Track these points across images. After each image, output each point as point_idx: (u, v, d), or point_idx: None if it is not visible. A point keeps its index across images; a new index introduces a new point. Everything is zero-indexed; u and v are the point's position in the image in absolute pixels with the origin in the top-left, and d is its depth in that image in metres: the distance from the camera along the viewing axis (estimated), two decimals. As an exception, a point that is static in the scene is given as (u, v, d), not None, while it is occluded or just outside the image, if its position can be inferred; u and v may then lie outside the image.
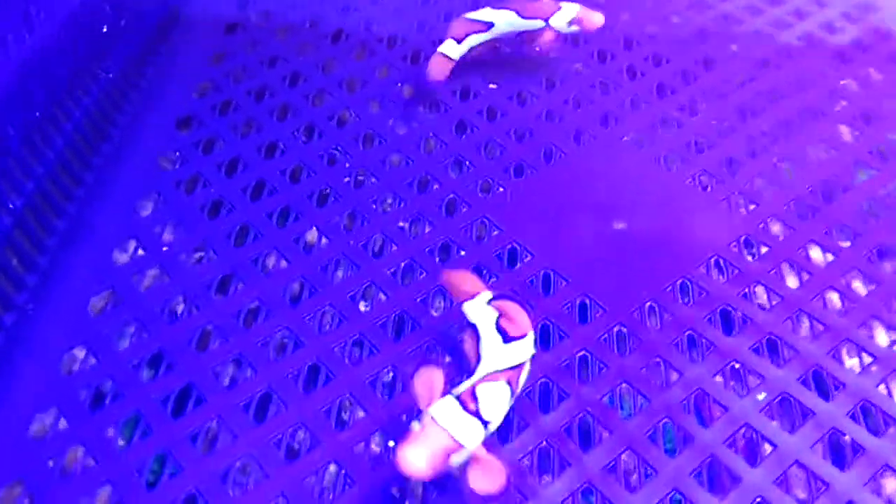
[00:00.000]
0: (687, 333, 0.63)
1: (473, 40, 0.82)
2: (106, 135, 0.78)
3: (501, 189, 0.75)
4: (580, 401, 0.58)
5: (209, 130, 0.79)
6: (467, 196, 0.74)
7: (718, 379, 0.60)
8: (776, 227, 0.72)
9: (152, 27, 0.91)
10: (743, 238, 0.70)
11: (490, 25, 0.82)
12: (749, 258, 0.69)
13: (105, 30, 0.82)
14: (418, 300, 0.65)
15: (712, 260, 0.68)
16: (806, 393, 0.59)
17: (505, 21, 0.82)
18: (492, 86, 0.86)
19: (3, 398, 0.57)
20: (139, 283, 0.65)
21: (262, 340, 0.61)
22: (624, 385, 0.59)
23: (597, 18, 0.82)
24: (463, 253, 0.68)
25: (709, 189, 0.76)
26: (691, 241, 0.71)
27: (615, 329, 0.63)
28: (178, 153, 0.77)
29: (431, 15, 0.97)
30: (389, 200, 0.73)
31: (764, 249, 0.70)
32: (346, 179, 0.75)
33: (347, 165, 0.77)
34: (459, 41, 0.81)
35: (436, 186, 0.75)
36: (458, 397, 0.50)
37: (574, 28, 0.83)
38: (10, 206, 0.65)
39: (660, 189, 0.76)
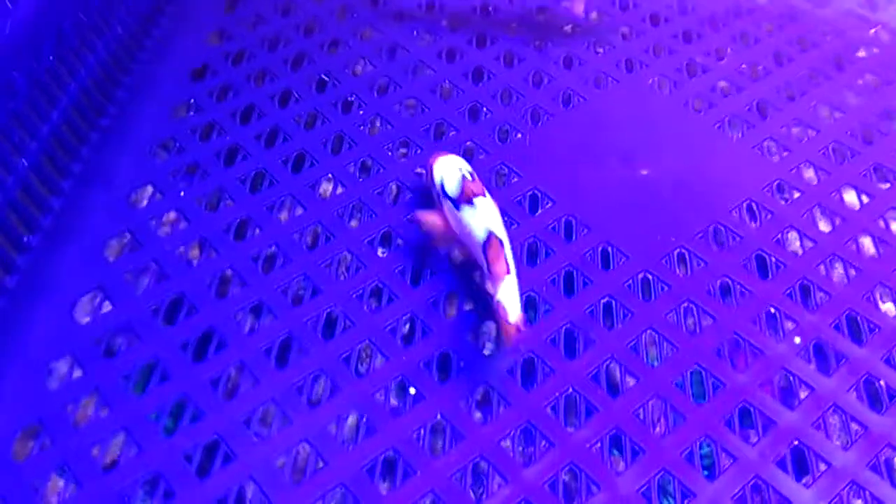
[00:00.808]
0: (720, 281, 0.61)
1: None
2: (120, 82, 0.76)
3: (520, 135, 0.73)
4: (605, 347, 0.57)
5: (223, 79, 0.78)
6: (485, 143, 0.72)
7: (754, 325, 0.58)
8: (809, 172, 0.70)
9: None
10: (776, 183, 0.68)
11: None
12: (782, 202, 0.67)
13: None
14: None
15: (745, 205, 0.66)
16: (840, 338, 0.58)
17: None
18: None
19: (19, 343, 0.56)
20: (157, 227, 0.64)
21: (281, 287, 0.60)
22: (650, 332, 0.58)
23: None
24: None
25: (740, 135, 0.73)
26: (721, 187, 0.68)
27: (640, 276, 0.61)
28: (192, 101, 0.75)
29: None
30: (404, 151, 0.71)
31: (797, 194, 0.68)
32: (361, 127, 0.73)
33: (361, 112, 0.75)
34: None
35: (452, 133, 0.73)
36: None
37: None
38: (25, 151, 0.63)
39: (686, 134, 0.74)
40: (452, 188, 0.58)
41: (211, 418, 0.52)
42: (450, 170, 0.60)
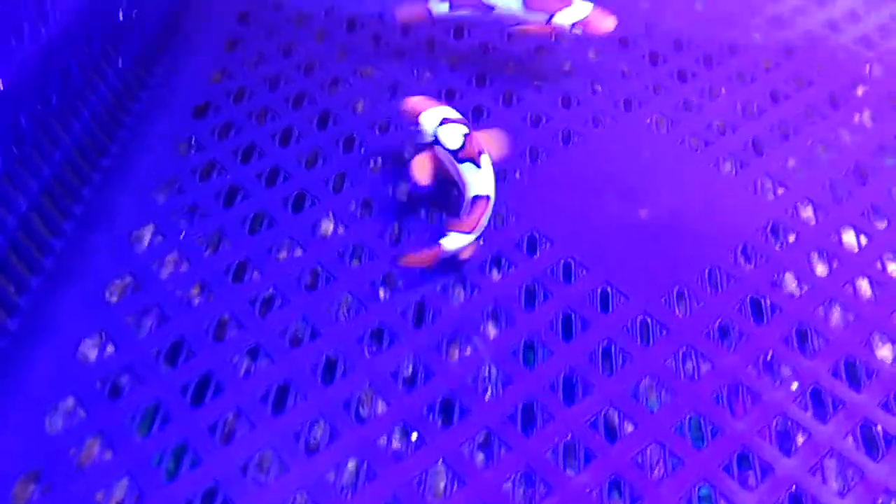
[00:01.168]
0: (718, 323, 0.61)
1: (465, 11, 0.79)
2: (122, 122, 0.77)
3: (518, 174, 0.73)
4: (603, 393, 0.57)
5: (225, 117, 0.78)
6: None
7: (751, 369, 0.59)
8: (806, 212, 0.71)
9: (167, 15, 0.90)
10: (772, 222, 0.69)
11: (490, 9, 0.78)
12: (778, 245, 0.68)
13: (120, 18, 0.81)
14: (438, 288, 0.63)
15: (741, 245, 0.67)
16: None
17: (506, 8, 0.77)
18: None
19: (20, 385, 0.56)
20: (158, 269, 0.64)
21: (280, 329, 0.60)
22: (649, 377, 0.58)
23: (607, 23, 0.76)
24: (481, 242, 0.67)
25: (736, 173, 0.74)
26: (718, 227, 0.69)
27: (639, 318, 0.62)
28: (194, 140, 0.76)
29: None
30: (405, 190, 0.72)
31: (793, 236, 0.69)
32: (363, 165, 0.74)
33: (363, 150, 0.75)
34: (452, 6, 0.79)
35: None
36: None
37: (577, 31, 0.76)
38: (26, 192, 0.64)
39: (683, 173, 0.75)
40: (453, 143, 0.65)
41: (209, 464, 0.52)
42: (446, 124, 0.66)
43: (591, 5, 0.76)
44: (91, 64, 0.75)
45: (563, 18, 0.76)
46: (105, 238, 0.66)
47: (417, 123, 0.67)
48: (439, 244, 0.61)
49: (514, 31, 0.79)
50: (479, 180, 0.63)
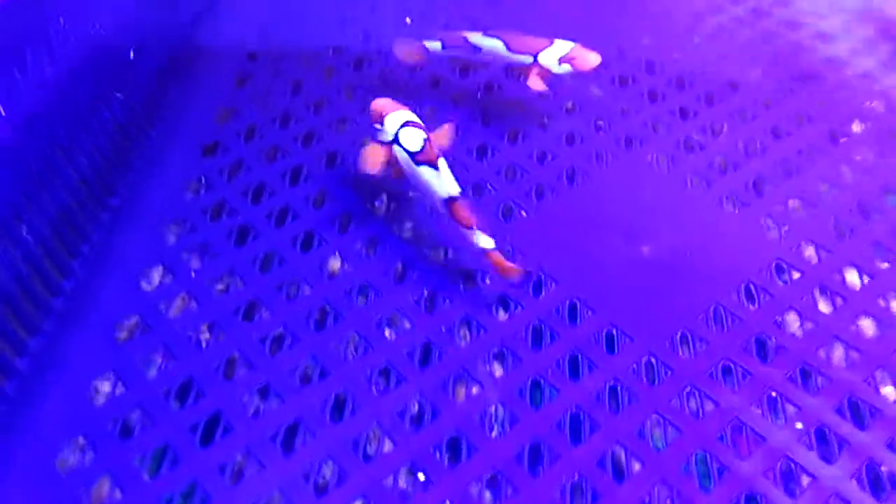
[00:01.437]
0: (722, 364, 0.62)
1: (455, 52, 0.82)
2: (130, 161, 0.78)
3: (524, 213, 0.74)
4: (610, 432, 0.57)
5: (234, 156, 0.79)
6: (490, 221, 0.73)
7: (755, 409, 0.59)
8: (809, 251, 0.71)
9: (175, 53, 0.91)
10: (775, 261, 0.70)
11: (477, 49, 0.80)
12: (781, 282, 0.68)
13: (131, 56, 0.82)
14: (444, 329, 0.64)
15: (744, 284, 0.68)
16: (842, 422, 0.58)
17: (490, 50, 0.79)
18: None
19: (31, 426, 0.57)
20: (167, 309, 0.65)
21: (289, 368, 0.61)
22: (655, 416, 0.59)
23: (592, 58, 0.76)
24: (487, 281, 0.68)
25: (738, 211, 0.75)
26: (721, 266, 0.70)
27: (644, 359, 0.62)
28: (203, 179, 0.77)
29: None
30: (410, 230, 0.73)
31: (796, 275, 0.69)
32: (368, 204, 0.75)
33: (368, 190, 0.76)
34: (444, 46, 0.82)
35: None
36: None
37: (565, 67, 0.76)
38: (35, 232, 0.65)
39: (686, 211, 0.75)
40: (413, 145, 0.67)
41: (219, 505, 0.53)
42: (407, 127, 0.68)
43: (571, 43, 0.77)
44: (100, 101, 0.76)
45: (548, 58, 0.76)
46: (114, 278, 0.67)
47: (381, 123, 0.70)
48: (487, 252, 0.64)
49: (524, 78, 0.80)
50: (442, 182, 0.65)
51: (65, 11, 0.72)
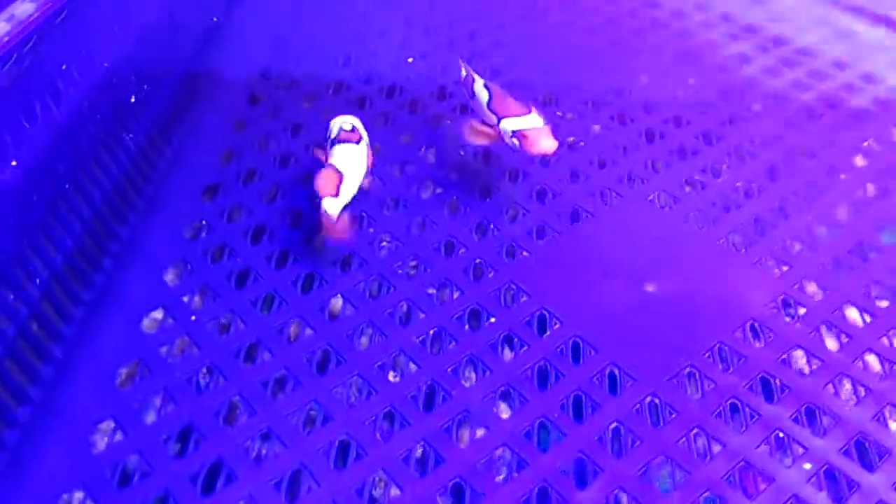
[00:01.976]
0: (729, 402, 0.61)
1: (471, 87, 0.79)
2: (132, 204, 0.78)
3: (526, 253, 0.74)
4: (615, 476, 0.57)
5: (234, 198, 0.79)
6: (493, 261, 0.73)
7: (763, 449, 0.58)
8: (811, 288, 0.71)
9: (177, 95, 0.92)
10: (780, 299, 0.70)
11: (472, 96, 0.79)
12: (785, 320, 0.68)
13: (133, 100, 0.83)
14: (449, 370, 0.63)
15: (748, 323, 0.67)
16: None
17: (481, 98, 0.76)
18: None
19: (30, 476, 0.56)
20: (167, 352, 0.64)
21: (291, 412, 0.60)
22: (660, 458, 0.58)
23: (544, 144, 0.70)
24: (493, 319, 0.68)
25: (742, 250, 0.75)
26: (724, 305, 0.69)
27: (648, 400, 0.62)
28: (203, 222, 0.76)
29: (450, 81, 0.98)
30: (413, 271, 0.73)
31: (802, 310, 0.69)
32: (371, 245, 0.75)
33: (371, 230, 0.76)
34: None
35: (462, 251, 0.74)
36: None
37: (514, 142, 0.71)
38: (37, 278, 0.64)
39: (688, 250, 0.75)
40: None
41: (222, 555, 0.52)
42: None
43: (540, 122, 0.72)
44: (101, 144, 0.77)
45: (507, 125, 0.72)
46: (115, 323, 0.66)
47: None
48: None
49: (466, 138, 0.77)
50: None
51: (69, 57, 0.72)
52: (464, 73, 0.81)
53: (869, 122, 0.92)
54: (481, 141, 0.76)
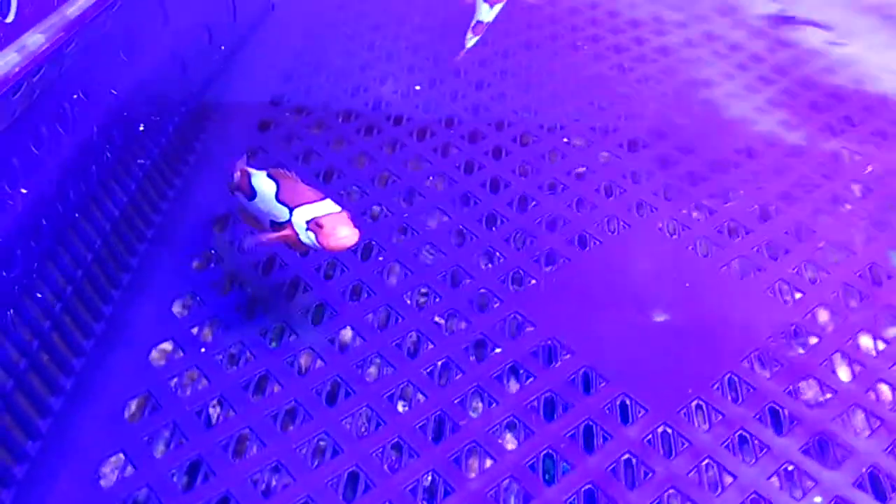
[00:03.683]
0: (738, 434, 0.61)
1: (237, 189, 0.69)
2: (141, 234, 0.78)
3: (534, 281, 0.74)
4: (628, 507, 0.56)
5: (245, 227, 0.80)
6: (499, 290, 0.73)
7: (774, 481, 0.58)
8: (823, 316, 0.71)
9: (187, 123, 0.93)
10: (788, 330, 0.69)
11: (253, 193, 0.67)
12: (796, 350, 0.68)
13: (142, 129, 0.83)
14: (456, 401, 0.63)
15: (758, 353, 0.67)
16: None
17: (263, 195, 0.65)
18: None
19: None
20: (177, 387, 0.64)
21: (300, 445, 0.60)
22: (672, 490, 0.57)
23: (343, 237, 0.61)
24: (499, 350, 0.67)
25: (751, 277, 0.75)
26: (734, 334, 0.69)
27: (660, 430, 0.61)
28: (213, 252, 0.77)
29: (459, 108, 0.99)
30: (423, 300, 0.73)
31: (813, 340, 0.69)
32: (380, 273, 0.75)
33: (381, 259, 0.77)
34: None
35: (468, 281, 0.74)
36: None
37: (310, 236, 0.62)
38: (47, 307, 0.65)
39: (697, 278, 0.75)
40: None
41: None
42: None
43: (337, 208, 0.62)
44: (111, 175, 0.77)
45: (301, 215, 0.62)
46: (124, 355, 0.67)
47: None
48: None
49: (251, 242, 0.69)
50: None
51: (79, 87, 0.73)
52: (237, 173, 0.69)
53: (878, 147, 0.92)
54: (274, 240, 0.64)
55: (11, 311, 0.61)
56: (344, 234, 0.61)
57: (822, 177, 0.88)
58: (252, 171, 0.67)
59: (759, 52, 1.12)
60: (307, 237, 0.62)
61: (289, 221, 0.63)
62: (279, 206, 0.64)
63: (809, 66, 1.08)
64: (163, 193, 0.84)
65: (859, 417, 0.63)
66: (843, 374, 0.66)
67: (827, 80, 1.05)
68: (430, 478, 0.58)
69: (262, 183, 0.66)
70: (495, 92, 1.02)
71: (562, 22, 1.18)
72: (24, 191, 0.64)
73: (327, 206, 0.62)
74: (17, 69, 0.63)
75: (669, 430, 0.61)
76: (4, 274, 0.61)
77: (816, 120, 0.97)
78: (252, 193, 0.66)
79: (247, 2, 1.14)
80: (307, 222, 0.61)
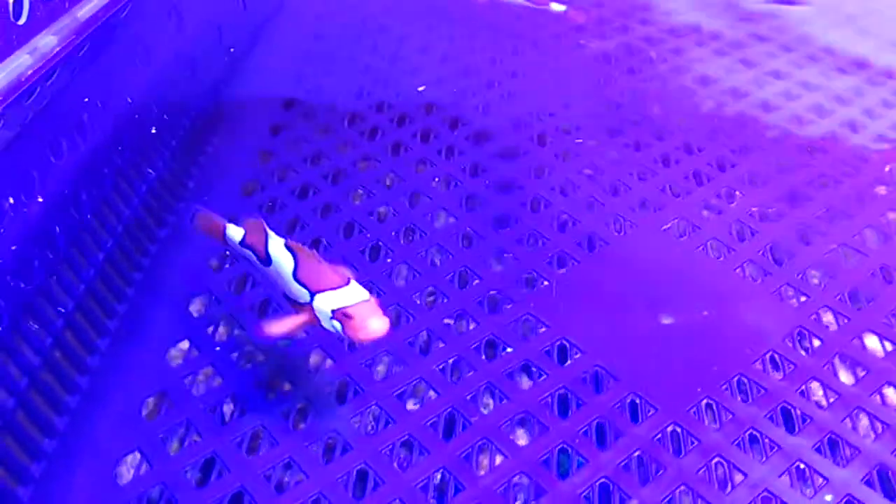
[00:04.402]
0: (748, 434, 0.61)
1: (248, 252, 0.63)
2: (154, 235, 0.79)
3: (546, 283, 0.75)
4: (641, 502, 0.57)
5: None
6: (510, 291, 0.73)
7: (784, 479, 0.58)
8: (829, 318, 0.71)
9: (198, 126, 0.93)
10: (796, 331, 0.70)
11: (268, 261, 0.61)
12: (803, 352, 0.68)
13: (154, 131, 0.84)
14: (468, 398, 0.64)
15: (768, 354, 0.67)
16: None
17: (279, 267, 0.60)
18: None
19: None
20: (192, 385, 0.65)
21: (312, 442, 0.61)
22: (683, 487, 0.58)
23: (374, 327, 0.55)
24: (510, 349, 0.68)
25: (758, 280, 0.75)
26: (743, 336, 0.69)
27: (669, 429, 0.62)
28: (226, 252, 0.77)
29: (467, 110, 0.99)
30: (431, 299, 0.73)
31: (817, 343, 0.69)
32: (388, 275, 0.75)
33: (389, 260, 0.77)
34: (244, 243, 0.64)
35: (476, 282, 0.75)
36: None
37: (335, 325, 0.56)
38: (61, 307, 0.65)
39: (705, 279, 0.76)
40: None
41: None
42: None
43: (366, 294, 0.57)
44: (124, 176, 0.78)
45: (325, 303, 0.56)
46: (139, 354, 0.67)
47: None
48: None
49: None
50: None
51: (92, 89, 0.74)
52: (245, 229, 0.63)
53: (887, 146, 0.92)
54: (290, 330, 0.59)
55: (27, 312, 0.62)
56: (375, 326, 0.55)
57: (841, 174, 0.88)
58: (270, 234, 0.61)
59: (767, 50, 1.12)
60: (331, 325, 0.56)
61: (309, 304, 0.57)
62: (297, 285, 0.57)
63: (819, 66, 1.08)
64: (175, 194, 0.84)
65: (864, 421, 0.63)
66: (851, 375, 0.66)
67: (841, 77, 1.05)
68: (440, 476, 0.59)
69: (280, 253, 0.59)
70: (504, 91, 1.02)
71: (568, 21, 1.19)
72: (40, 199, 0.65)
73: (354, 293, 0.56)
74: (29, 72, 0.63)
75: (679, 430, 0.62)
76: (22, 284, 0.61)
77: (836, 115, 0.97)
78: (267, 259, 0.60)
79: (256, 1, 1.15)
80: (333, 311, 0.55)
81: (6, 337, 0.60)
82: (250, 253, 0.62)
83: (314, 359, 0.68)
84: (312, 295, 0.56)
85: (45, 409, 0.60)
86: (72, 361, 0.64)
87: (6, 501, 0.55)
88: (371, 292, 0.57)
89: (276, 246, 0.60)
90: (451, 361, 0.67)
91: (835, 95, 1.01)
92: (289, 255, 0.58)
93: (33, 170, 0.64)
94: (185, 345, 0.68)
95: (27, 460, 0.58)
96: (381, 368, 0.67)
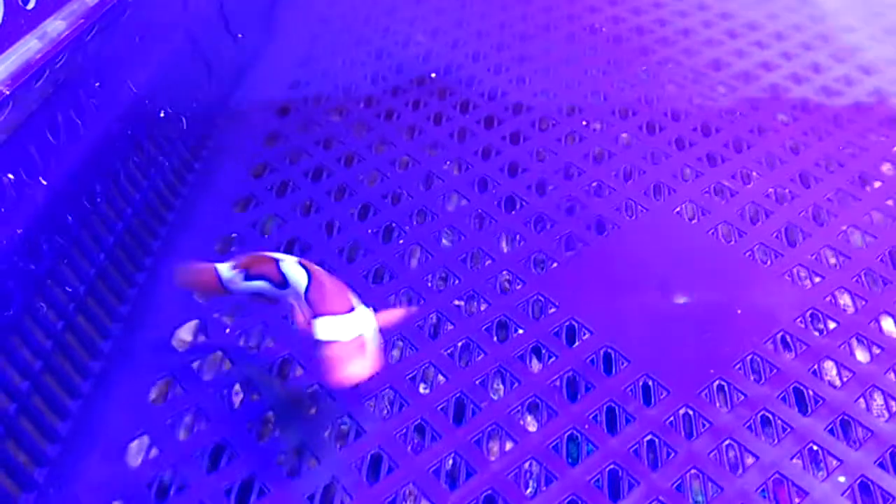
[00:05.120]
0: (760, 415, 0.61)
1: (259, 283, 0.59)
2: (163, 218, 0.79)
3: (555, 264, 0.74)
4: (650, 489, 0.57)
5: (266, 211, 0.80)
6: (521, 272, 0.73)
7: (797, 461, 0.58)
8: (844, 299, 0.71)
9: (207, 110, 0.93)
10: (809, 312, 0.69)
11: (285, 285, 0.57)
12: (816, 332, 0.67)
13: (162, 115, 0.84)
14: (477, 382, 0.64)
15: (780, 335, 0.67)
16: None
17: (295, 286, 0.56)
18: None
19: (72, 486, 0.57)
20: (200, 370, 0.65)
21: (324, 427, 0.61)
22: (694, 470, 0.58)
23: (353, 371, 0.52)
24: (521, 331, 0.68)
25: (768, 263, 0.74)
26: (755, 317, 0.69)
27: (682, 411, 0.61)
28: (235, 235, 0.78)
29: (475, 94, 0.99)
30: (442, 283, 0.73)
31: (832, 324, 0.68)
32: (401, 256, 0.75)
33: (402, 242, 0.77)
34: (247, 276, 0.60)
35: (488, 262, 0.74)
36: None
37: (321, 350, 0.53)
38: (72, 292, 0.66)
39: (717, 261, 0.75)
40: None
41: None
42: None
43: (361, 329, 0.53)
44: (132, 160, 0.78)
45: (321, 328, 0.53)
46: (149, 338, 0.67)
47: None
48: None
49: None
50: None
51: (101, 74, 0.74)
52: (250, 261, 0.59)
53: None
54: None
55: (39, 296, 0.62)
56: (350, 371, 0.51)
57: (846, 155, 0.87)
58: (280, 256, 0.58)
59: (780, 29, 1.10)
60: (320, 352, 0.53)
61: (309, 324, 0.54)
62: (306, 305, 0.55)
63: (832, 46, 1.07)
64: (183, 178, 0.84)
65: (879, 400, 0.63)
66: (864, 355, 0.66)
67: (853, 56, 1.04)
68: (451, 461, 0.59)
69: (294, 271, 0.57)
70: (513, 75, 1.01)
71: (581, 2, 1.18)
72: (44, 182, 0.65)
73: (350, 325, 0.53)
74: (38, 56, 0.63)
75: (691, 412, 0.61)
76: (33, 267, 0.62)
77: (844, 96, 0.96)
78: (284, 282, 0.57)
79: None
80: (321, 342, 0.52)
81: (19, 321, 0.60)
82: (263, 283, 0.58)
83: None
84: (315, 317, 0.54)
85: (57, 391, 0.60)
86: (83, 345, 0.65)
87: (23, 482, 0.56)
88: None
89: (289, 265, 0.57)
90: (459, 345, 0.67)
91: (843, 76, 1.00)
92: (303, 271, 0.56)
93: (42, 154, 0.64)
94: (192, 329, 0.68)
95: (43, 442, 0.58)
96: (395, 353, 0.67)
